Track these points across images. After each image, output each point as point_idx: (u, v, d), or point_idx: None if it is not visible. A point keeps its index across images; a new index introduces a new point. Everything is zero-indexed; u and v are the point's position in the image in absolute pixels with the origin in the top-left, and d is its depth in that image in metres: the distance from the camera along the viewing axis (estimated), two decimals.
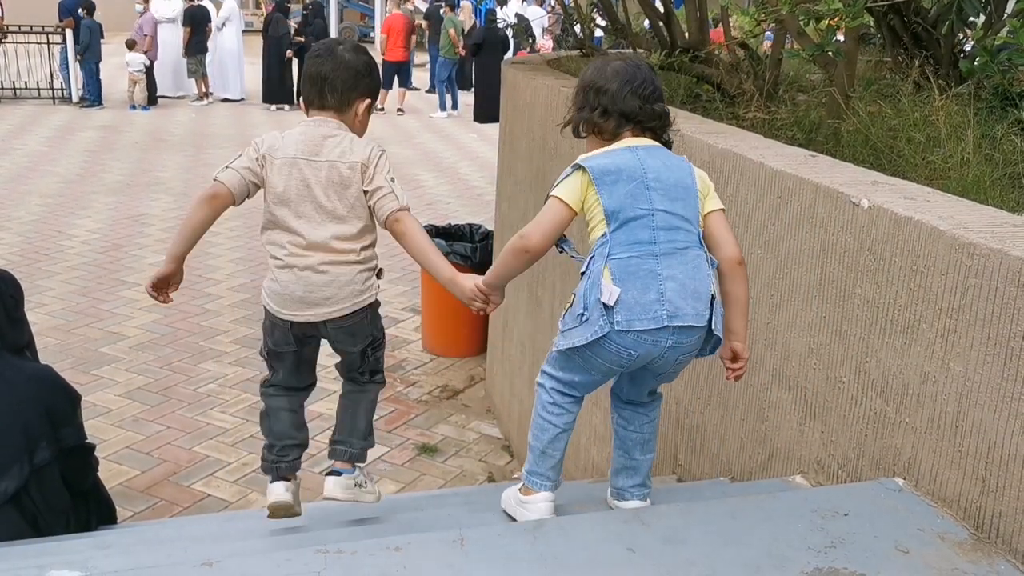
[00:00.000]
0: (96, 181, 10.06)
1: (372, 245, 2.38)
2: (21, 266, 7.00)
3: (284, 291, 2.32)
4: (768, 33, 4.94)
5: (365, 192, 2.29)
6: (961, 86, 3.11)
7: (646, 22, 4.74)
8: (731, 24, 4.47)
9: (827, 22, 3.12)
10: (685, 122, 3.08)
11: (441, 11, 18.17)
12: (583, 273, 1.96)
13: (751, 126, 3.25)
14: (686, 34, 4.25)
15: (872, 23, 3.69)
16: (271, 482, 2.55)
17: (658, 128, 2.07)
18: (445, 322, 5.86)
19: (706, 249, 1.97)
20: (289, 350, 2.45)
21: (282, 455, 2.55)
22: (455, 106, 16.17)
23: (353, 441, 2.58)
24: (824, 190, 2.19)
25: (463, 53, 16.05)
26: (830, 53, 3.20)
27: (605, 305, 1.87)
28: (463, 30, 16.85)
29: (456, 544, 1.73)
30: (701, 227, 1.98)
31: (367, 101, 2.39)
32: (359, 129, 2.42)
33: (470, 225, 6.14)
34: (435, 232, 5.94)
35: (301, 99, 2.55)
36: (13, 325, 2.90)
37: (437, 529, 1.88)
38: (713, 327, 1.93)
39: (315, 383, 2.62)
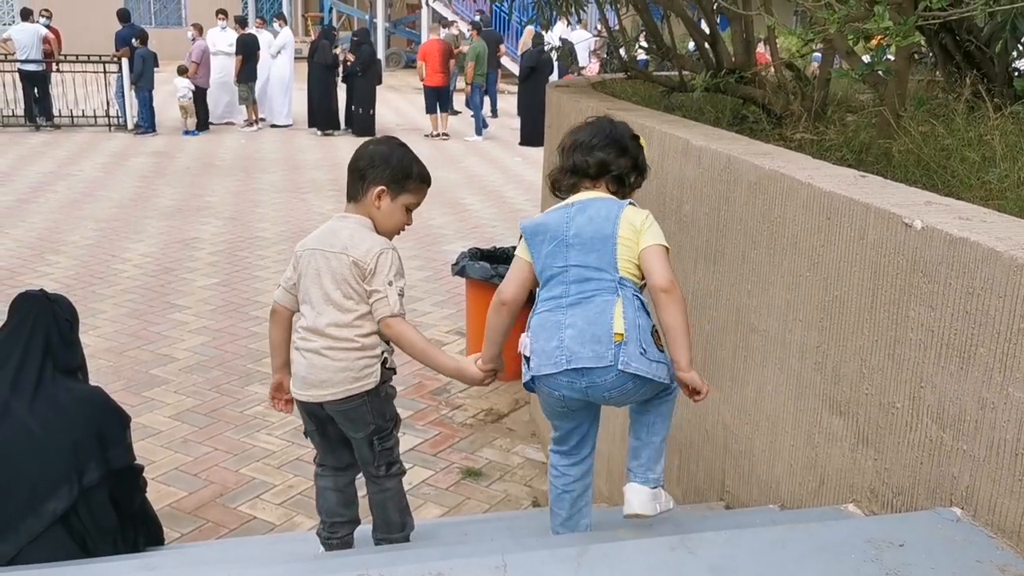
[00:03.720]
0: (149, 206, 10.27)
1: (376, 333, 2.47)
2: (76, 289, 7.16)
3: (294, 371, 2.54)
4: (816, 55, 4.88)
5: (369, 288, 2.43)
6: (1016, 104, 3.03)
7: (692, 44, 4.71)
8: (777, 44, 4.42)
9: (876, 41, 3.07)
10: (732, 143, 3.05)
11: (468, 35, 18.34)
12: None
13: (799, 147, 3.20)
14: (732, 55, 4.22)
15: (923, 42, 3.62)
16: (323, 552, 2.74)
17: (605, 175, 2.29)
18: None
19: (625, 290, 2.16)
20: (311, 428, 2.65)
21: (332, 532, 2.72)
22: (479, 130, 16.21)
23: (393, 536, 2.72)
24: (875, 211, 2.14)
25: (470, 84, 16.08)
26: (880, 72, 3.15)
27: (524, 356, 2.20)
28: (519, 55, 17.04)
29: (499, 570, 1.70)
30: (621, 271, 2.17)
31: (379, 188, 2.49)
32: (382, 217, 2.52)
33: (515, 248, 6.13)
34: (480, 255, 5.95)
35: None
36: (67, 347, 2.96)
37: (480, 554, 1.85)
38: (620, 365, 2.10)
39: (356, 464, 2.73)
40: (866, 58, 3.32)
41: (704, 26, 4.41)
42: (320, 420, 2.58)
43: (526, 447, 5.06)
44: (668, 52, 4.66)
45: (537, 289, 2.27)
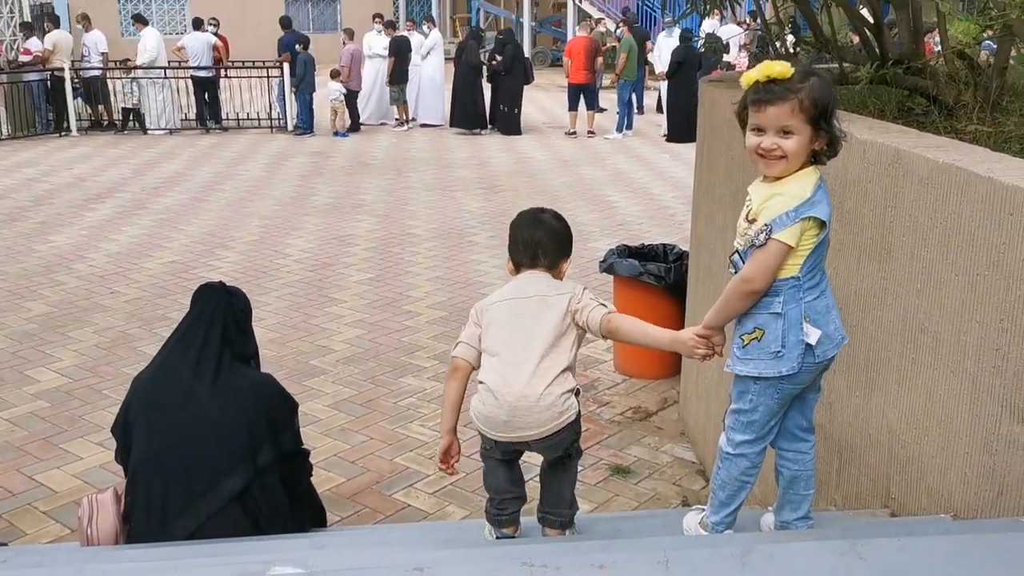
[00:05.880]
0: (307, 203, 10.74)
1: (570, 369, 2.57)
2: (243, 282, 7.54)
3: (487, 413, 2.54)
4: (985, 43, 4.60)
5: (575, 311, 2.52)
6: None
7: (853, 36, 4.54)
8: (948, 32, 4.20)
9: None
10: (900, 136, 2.93)
11: (618, 31, 18.16)
12: (775, 314, 2.21)
13: (973, 139, 3.04)
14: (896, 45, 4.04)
15: None
16: (494, 534, 2.81)
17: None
18: None
19: None
20: (494, 454, 2.70)
21: (501, 508, 2.77)
22: (629, 126, 15.96)
23: (561, 511, 2.77)
24: None
25: (620, 75, 15.79)
26: None
27: (808, 345, 2.20)
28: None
29: (661, 565, 1.71)
30: None
31: (569, 260, 2.70)
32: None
33: (664, 245, 6.08)
34: (628, 252, 5.92)
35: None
36: (243, 336, 3.15)
37: (641, 549, 1.86)
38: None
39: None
40: None
41: (867, 14, 4.24)
42: (512, 450, 2.67)
43: (675, 446, 5.01)
44: (827, 43, 4.51)
45: (799, 273, 2.20)
